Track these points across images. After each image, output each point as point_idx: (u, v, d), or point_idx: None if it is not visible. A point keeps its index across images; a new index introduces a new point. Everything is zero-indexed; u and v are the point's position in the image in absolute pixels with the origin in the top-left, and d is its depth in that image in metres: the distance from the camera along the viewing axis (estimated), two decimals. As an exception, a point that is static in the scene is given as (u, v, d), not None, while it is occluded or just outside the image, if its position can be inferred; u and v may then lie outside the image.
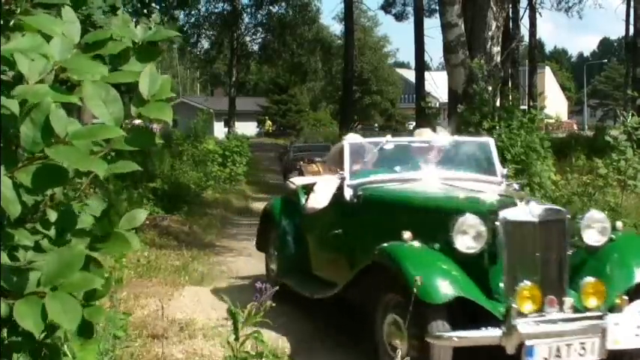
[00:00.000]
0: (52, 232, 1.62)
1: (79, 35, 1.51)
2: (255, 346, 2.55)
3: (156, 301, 6.56)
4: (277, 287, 2.76)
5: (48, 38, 1.46)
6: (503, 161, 11.28)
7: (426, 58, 27.89)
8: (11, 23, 1.43)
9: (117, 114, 1.46)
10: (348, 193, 5.90)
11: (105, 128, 1.42)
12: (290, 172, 16.47)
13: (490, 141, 6.66)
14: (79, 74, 1.42)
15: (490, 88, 12.40)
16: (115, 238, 1.65)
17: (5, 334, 1.54)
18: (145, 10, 11.36)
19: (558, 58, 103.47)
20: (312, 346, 5.77)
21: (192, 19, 41.80)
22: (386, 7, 40.35)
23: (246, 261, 9.89)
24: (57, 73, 1.46)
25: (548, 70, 72.28)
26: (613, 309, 4.52)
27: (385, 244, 4.82)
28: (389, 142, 6.37)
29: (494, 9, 13.55)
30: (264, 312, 2.31)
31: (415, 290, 4.16)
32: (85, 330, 1.51)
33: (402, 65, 74.74)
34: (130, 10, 10.84)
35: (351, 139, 6.57)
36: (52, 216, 1.61)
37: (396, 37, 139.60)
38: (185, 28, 37.00)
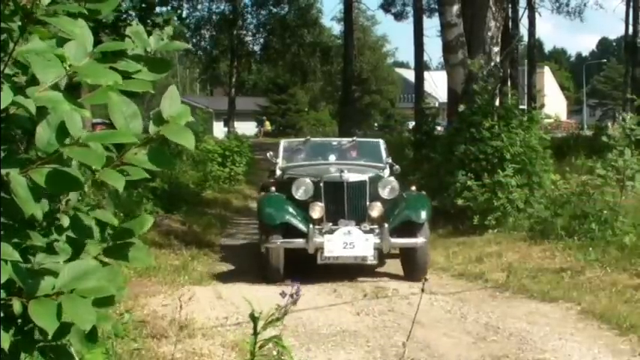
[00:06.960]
0: (63, 237, 1.64)
1: (91, 45, 1.56)
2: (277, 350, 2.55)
3: (165, 299, 6.58)
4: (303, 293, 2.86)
5: (63, 43, 1.50)
6: (503, 160, 11.33)
7: (426, 57, 27.81)
8: (38, 18, 1.46)
9: (136, 129, 1.58)
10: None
11: (117, 133, 1.47)
12: None
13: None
14: (93, 79, 1.46)
15: (489, 88, 12.42)
16: (134, 249, 1.70)
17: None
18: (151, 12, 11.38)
19: (557, 57, 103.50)
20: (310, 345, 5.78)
21: (194, 20, 41.72)
22: (385, 7, 40.22)
23: (246, 261, 9.90)
24: (69, 77, 1.49)
25: (547, 69, 72.25)
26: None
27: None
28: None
29: (494, 9, 13.56)
30: (284, 316, 2.31)
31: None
32: (90, 334, 1.53)
33: (402, 65, 74.65)
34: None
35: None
36: (65, 221, 1.63)
37: (395, 36, 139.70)
38: (186, 30, 36.94)
